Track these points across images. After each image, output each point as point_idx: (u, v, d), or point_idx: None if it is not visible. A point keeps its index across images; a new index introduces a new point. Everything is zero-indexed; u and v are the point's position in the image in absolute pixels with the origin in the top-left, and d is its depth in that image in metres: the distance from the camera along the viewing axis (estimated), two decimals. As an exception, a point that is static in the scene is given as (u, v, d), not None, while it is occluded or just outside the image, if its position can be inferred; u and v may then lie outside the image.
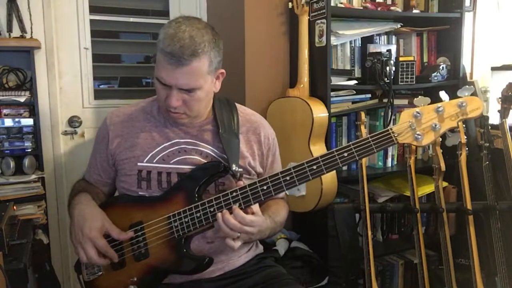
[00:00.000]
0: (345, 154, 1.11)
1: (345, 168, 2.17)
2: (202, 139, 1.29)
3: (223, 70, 1.27)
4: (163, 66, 1.15)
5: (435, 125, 1.09)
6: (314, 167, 1.12)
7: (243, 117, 1.36)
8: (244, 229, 1.12)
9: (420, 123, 1.10)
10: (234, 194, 1.15)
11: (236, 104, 1.39)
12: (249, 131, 1.35)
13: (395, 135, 1.10)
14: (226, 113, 1.33)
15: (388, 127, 1.12)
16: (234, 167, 1.21)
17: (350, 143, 1.12)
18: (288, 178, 1.13)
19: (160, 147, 1.27)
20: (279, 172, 1.14)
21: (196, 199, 1.18)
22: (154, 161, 1.26)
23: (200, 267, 1.18)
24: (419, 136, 1.09)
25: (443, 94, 1.12)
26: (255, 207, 1.15)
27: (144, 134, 1.29)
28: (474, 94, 1.10)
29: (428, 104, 1.11)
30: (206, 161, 1.26)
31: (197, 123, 1.31)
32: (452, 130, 1.11)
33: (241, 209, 1.13)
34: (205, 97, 1.23)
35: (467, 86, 1.10)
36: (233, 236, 1.12)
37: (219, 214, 1.12)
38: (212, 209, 1.15)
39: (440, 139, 1.82)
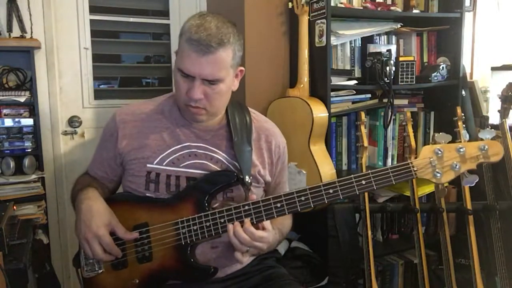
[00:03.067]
0: (363, 182, 1.11)
1: (345, 168, 2.17)
2: (214, 144, 1.26)
3: (243, 68, 1.26)
4: (187, 55, 1.13)
5: (455, 165, 1.09)
6: (331, 191, 1.11)
7: (256, 123, 1.33)
8: (254, 244, 1.10)
9: (441, 161, 1.10)
10: (246, 207, 1.12)
11: (250, 109, 1.36)
12: (261, 138, 1.32)
13: (415, 169, 1.10)
14: (239, 118, 1.30)
15: (409, 160, 1.11)
16: (247, 179, 1.19)
17: (369, 171, 1.11)
18: (303, 198, 1.11)
19: (171, 150, 1.23)
20: (294, 191, 1.12)
21: (206, 208, 1.16)
22: (164, 163, 1.22)
23: (204, 277, 1.17)
24: (438, 174, 1.09)
25: (464, 133, 1.13)
26: (266, 223, 1.14)
27: (154, 135, 1.25)
28: (495, 138, 1.11)
29: (449, 142, 1.11)
30: (217, 168, 1.23)
31: (211, 127, 1.27)
32: (470, 171, 1.11)
33: (252, 223, 1.12)
34: (226, 92, 1.21)
35: (489, 129, 1.12)
36: (241, 250, 1.11)
37: (230, 226, 1.11)
38: (222, 220, 1.13)
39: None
